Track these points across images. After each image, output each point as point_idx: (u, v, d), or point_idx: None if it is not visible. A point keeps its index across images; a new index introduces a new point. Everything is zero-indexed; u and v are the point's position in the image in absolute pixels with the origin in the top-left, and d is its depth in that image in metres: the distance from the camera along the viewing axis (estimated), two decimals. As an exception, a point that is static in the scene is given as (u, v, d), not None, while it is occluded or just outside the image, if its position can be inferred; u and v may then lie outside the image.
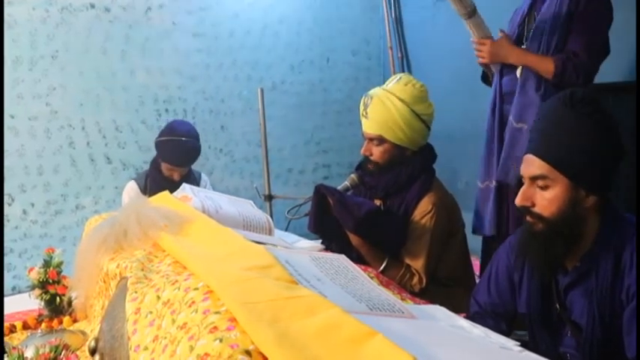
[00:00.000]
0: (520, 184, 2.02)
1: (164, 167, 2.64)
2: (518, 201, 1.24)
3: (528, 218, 1.25)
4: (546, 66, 1.95)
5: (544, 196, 1.20)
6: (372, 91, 1.90)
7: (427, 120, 1.88)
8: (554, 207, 1.19)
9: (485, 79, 2.32)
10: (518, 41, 2.11)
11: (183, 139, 2.58)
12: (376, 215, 1.79)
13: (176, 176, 2.64)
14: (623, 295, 1.15)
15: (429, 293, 1.72)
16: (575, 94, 1.20)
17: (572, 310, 1.25)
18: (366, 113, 1.87)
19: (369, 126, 1.88)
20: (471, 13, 2.07)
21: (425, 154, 1.93)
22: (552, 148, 1.19)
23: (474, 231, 2.21)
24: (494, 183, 2.14)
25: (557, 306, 1.27)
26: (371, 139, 1.89)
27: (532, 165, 1.22)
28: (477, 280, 2.07)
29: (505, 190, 2.11)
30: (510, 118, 2.05)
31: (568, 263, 1.25)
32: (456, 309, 1.23)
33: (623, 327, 1.15)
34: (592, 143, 1.17)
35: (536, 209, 1.22)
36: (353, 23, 4.38)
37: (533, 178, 1.22)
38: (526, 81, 2.00)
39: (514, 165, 2.02)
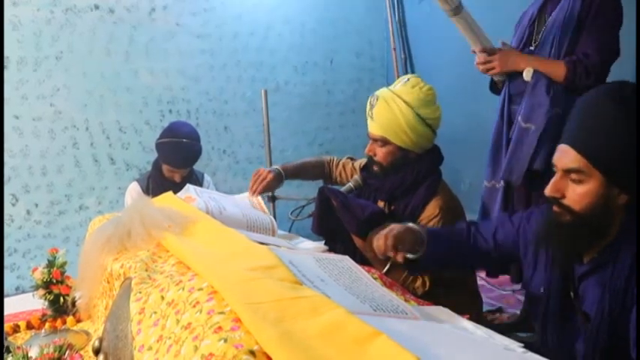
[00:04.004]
0: (524, 183, 2.04)
1: (165, 169, 2.63)
2: (548, 191, 1.20)
3: (556, 208, 1.20)
4: (558, 69, 1.96)
5: (576, 190, 1.16)
6: (378, 92, 1.89)
7: (433, 124, 1.85)
8: (585, 202, 1.15)
9: (494, 87, 2.32)
10: (526, 44, 2.11)
11: (184, 140, 2.56)
12: (379, 217, 1.79)
13: (177, 178, 2.63)
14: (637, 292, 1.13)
15: (432, 294, 1.72)
16: (625, 89, 1.14)
17: (584, 299, 1.23)
18: (372, 114, 1.86)
19: (374, 127, 1.87)
20: (457, 9, 2.05)
21: (431, 157, 1.91)
22: (592, 142, 1.14)
23: None
24: (501, 183, 2.14)
25: (572, 294, 1.25)
26: (375, 140, 1.89)
27: (567, 157, 1.17)
28: (479, 281, 2.08)
29: (511, 191, 2.12)
30: (519, 117, 2.05)
31: (585, 255, 1.23)
32: (458, 310, 1.23)
33: (630, 323, 1.13)
34: (633, 142, 1.11)
35: (566, 201, 1.18)
36: (356, 25, 4.39)
37: (567, 171, 1.17)
38: (537, 83, 2.00)
39: (518, 164, 2.04)
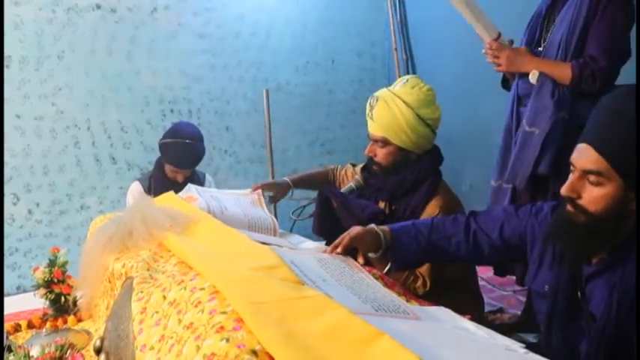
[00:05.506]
0: (528, 187, 2.04)
1: (168, 169, 2.64)
2: (564, 191, 1.17)
3: (570, 208, 1.18)
4: (564, 72, 1.93)
5: (593, 192, 1.14)
6: (378, 93, 1.89)
7: (433, 125, 1.86)
8: (601, 205, 1.13)
9: (505, 84, 2.30)
10: (536, 44, 2.10)
11: (187, 141, 2.56)
12: (379, 217, 1.79)
13: (180, 178, 2.63)
14: None
15: (433, 294, 1.72)
16: None
17: (590, 299, 1.22)
18: (372, 115, 1.87)
19: (374, 128, 1.88)
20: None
21: (431, 157, 1.92)
22: (615, 144, 1.11)
23: None
24: (510, 184, 2.14)
25: (579, 294, 1.24)
26: (375, 141, 1.89)
27: (587, 157, 1.13)
28: (480, 281, 2.08)
29: (518, 193, 2.12)
30: (523, 121, 2.04)
31: (594, 255, 1.22)
32: (459, 310, 1.23)
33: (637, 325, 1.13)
34: None
35: (582, 202, 1.15)
36: (358, 25, 4.39)
37: (586, 172, 1.14)
38: (542, 86, 1.97)
39: (522, 168, 2.03)
